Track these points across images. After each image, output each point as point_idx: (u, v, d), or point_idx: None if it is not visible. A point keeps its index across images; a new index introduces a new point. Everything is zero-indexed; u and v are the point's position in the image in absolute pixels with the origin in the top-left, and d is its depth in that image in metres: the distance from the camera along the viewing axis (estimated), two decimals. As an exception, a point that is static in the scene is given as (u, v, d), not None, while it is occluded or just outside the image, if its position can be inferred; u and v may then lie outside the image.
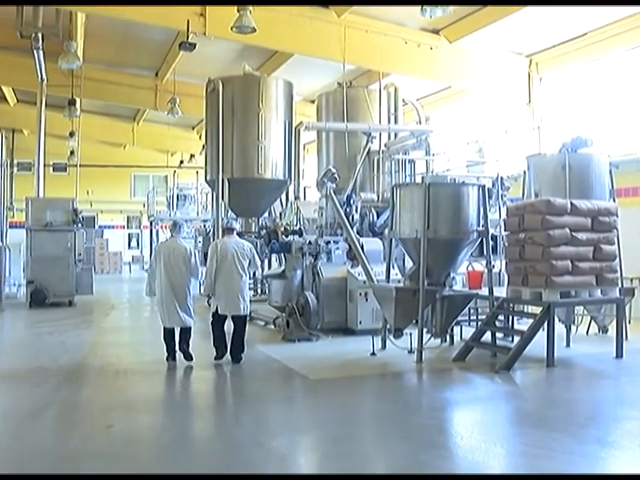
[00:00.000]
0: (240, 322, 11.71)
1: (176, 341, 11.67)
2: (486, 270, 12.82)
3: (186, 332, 11.64)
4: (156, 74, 28.27)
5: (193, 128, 38.85)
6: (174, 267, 11.50)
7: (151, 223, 38.53)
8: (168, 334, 11.64)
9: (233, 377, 11.20)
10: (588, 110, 20.20)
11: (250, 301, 12.35)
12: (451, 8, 14.90)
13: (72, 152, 36.13)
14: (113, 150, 42.59)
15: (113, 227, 47.16)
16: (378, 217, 18.14)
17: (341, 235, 15.82)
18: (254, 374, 11.26)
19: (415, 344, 11.95)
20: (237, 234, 12.33)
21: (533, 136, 21.79)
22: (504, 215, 14.47)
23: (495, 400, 9.62)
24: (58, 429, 8.12)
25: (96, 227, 44.49)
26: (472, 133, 23.63)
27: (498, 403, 9.49)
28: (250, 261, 11.79)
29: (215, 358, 11.66)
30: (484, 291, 13.05)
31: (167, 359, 11.58)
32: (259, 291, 23.19)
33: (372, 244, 15.61)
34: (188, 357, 11.55)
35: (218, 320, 11.72)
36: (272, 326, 15.51)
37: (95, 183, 42.41)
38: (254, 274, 15.61)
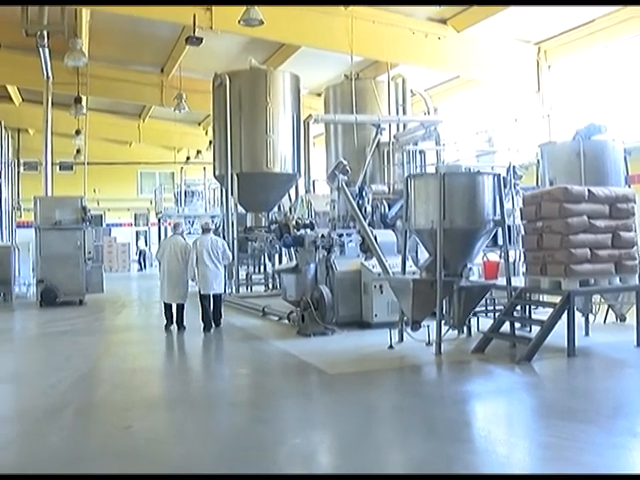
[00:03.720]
0: (217, 298, 15.29)
1: (174, 314, 15.20)
2: (503, 260, 12.66)
3: (180, 308, 15.11)
4: (162, 70, 28.21)
5: (199, 124, 38.75)
6: (173, 257, 15.15)
7: (159, 220, 38.43)
8: (167, 308, 15.30)
9: (251, 373, 11.08)
10: (598, 97, 20.05)
11: (225, 283, 16.29)
12: None
13: (78, 151, 36.09)
14: (119, 148, 42.55)
15: (121, 225, 47.09)
16: (389, 209, 18.01)
17: (354, 227, 15.70)
18: (272, 370, 11.18)
19: (433, 336, 11.81)
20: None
21: (543, 124, 21.65)
22: (518, 204, 14.42)
23: (518, 392, 9.46)
24: (75, 429, 7.98)
25: (104, 225, 44.48)
26: (481, 123, 23.49)
27: (521, 395, 9.33)
28: (222, 253, 15.11)
29: (203, 330, 14.83)
30: (500, 281, 12.89)
31: (165, 327, 15.23)
32: (270, 286, 23.07)
33: (385, 236, 15.44)
34: (181, 327, 15.04)
35: (203, 299, 15.00)
36: (286, 321, 15.37)
37: (102, 181, 42.40)
38: (227, 266, 17.08)
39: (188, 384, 10.33)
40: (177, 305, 15.16)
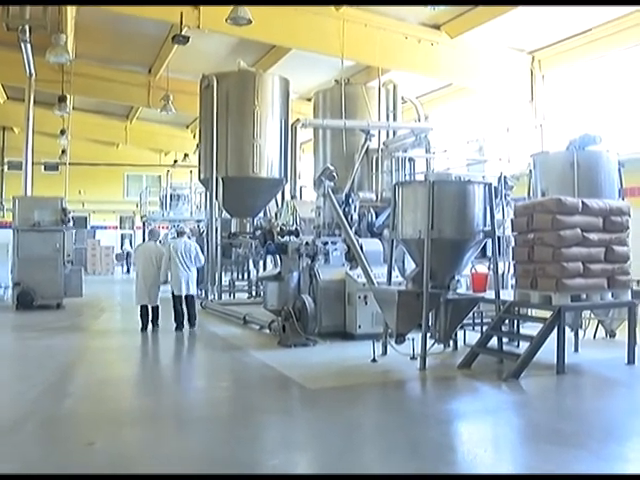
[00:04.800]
0: (190, 298, 15.70)
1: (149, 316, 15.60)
2: (492, 272, 12.25)
3: (155, 310, 15.60)
4: (149, 70, 27.83)
5: (187, 127, 38.38)
6: (148, 262, 15.58)
7: (144, 224, 37.89)
8: (142, 309, 15.63)
9: (228, 387, 10.58)
10: (592, 108, 19.69)
11: (197, 285, 16.80)
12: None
13: (64, 151, 35.60)
14: (106, 149, 42.09)
15: (105, 228, 46.56)
16: (377, 217, 17.68)
17: (339, 236, 15.33)
18: (249, 383, 10.67)
19: (417, 350, 11.38)
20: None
21: (535, 134, 21.30)
22: (509, 215, 14.04)
23: (505, 411, 9.03)
24: (31, 446, 7.42)
25: (88, 227, 44.02)
26: (473, 131, 23.14)
27: (509, 415, 8.90)
28: (195, 257, 15.68)
29: (175, 329, 15.38)
30: (489, 294, 12.49)
31: (141, 329, 15.48)
32: (254, 293, 22.64)
33: (371, 245, 15.04)
34: (156, 326, 15.55)
35: (176, 300, 15.53)
36: (267, 330, 14.93)
37: (87, 183, 42.04)
38: (200, 269, 17.40)
39: (161, 397, 9.79)
40: (152, 307, 15.61)
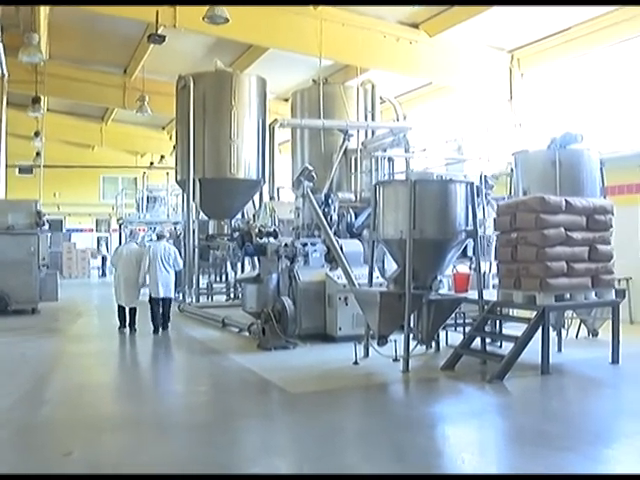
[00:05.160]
0: (167, 302, 15.86)
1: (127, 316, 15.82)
2: (474, 272, 12.10)
3: (132, 311, 15.70)
4: (124, 71, 27.47)
5: (163, 128, 38.03)
6: (129, 263, 15.76)
7: (120, 226, 37.46)
8: (121, 310, 15.87)
9: (207, 391, 10.34)
10: (572, 107, 19.59)
11: (176, 289, 17.33)
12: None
13: (38, 153, 35.03)
14: (81, 151, 41.64)
15: (81, 230, 46.07)
16: (356, 218, 17.51)
17: (319, 237, 15.12)
18: (229, 387, 10.46)
19: (400, 351, 11.20)
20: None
21: (515, 133, 21.18)
22: (490, 214, 13.94)
23: (491, 414, 8.88)
24: (6, 456, 7.20)
25: (64, 230, 43.55)
26: (452, 131, 22.99)
27: (495, 418, 8.75)
28: (173, 261, 15.85)
29: (153, 332, 15.46)
30: (471, 294, 12.34)
31: (119, 329, 15.79)
32: (232, 296, 22.39)
33: (351, 246, 14.85)
34: (133, 330, 15.64)
35: (153, 302, 15.62)
36: (247, 333, 14.69)
37: (63, 185, 41.59)
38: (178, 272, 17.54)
39: (139, 403, 9.53)
40: (130, 309, 15.77)
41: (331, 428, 8.03)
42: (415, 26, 19.82)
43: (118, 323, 15.85)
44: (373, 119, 21.52)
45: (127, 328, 15.75)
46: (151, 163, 40.70)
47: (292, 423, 8.43)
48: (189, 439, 7.67)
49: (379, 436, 7.69)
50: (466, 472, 6.56)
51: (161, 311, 15.74)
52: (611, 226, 11.44)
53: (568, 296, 11.17)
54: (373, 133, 20.96)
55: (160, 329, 15.61)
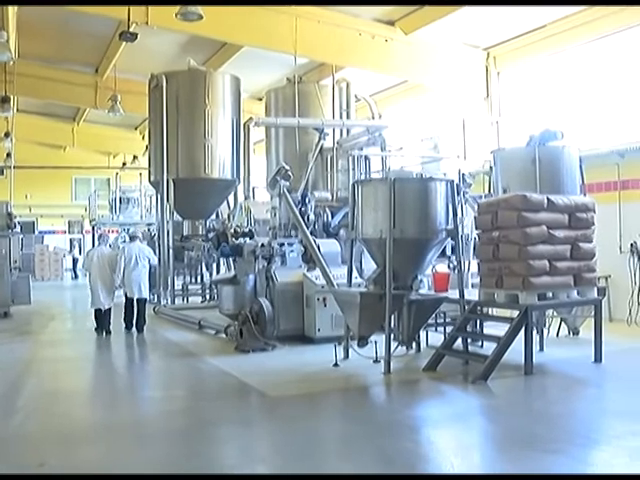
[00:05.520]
0: (142, 302, 16.08)
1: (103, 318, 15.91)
2: (456, 271, 11.93)
3: (107, 312, 15.87)
4: (96, 70, 27.00)
5: (136, 128, 37.56)
6: (102, 266, 15.91)
7: (93, 228, 37.00)
8: (97, 313, 15.96)
9: (184, 397, 10.03)
10: (549, 104, 19.51)
11: (149, 289, 17.29)
12: None
13: (9, 154, 34.48)
14: (52, 152, 41.10)
15: (54, 232, 45.48)
16: (333, 217, 17.32)
17: (296, 237, 14.92)
18: (208, 392, 10.19)
19: (380, 353, 10.99)
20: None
21: (491, 131, 21.07)
22: (468, 213, 13.81)
23: (477, 416, 8.71)
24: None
25: (36, 232, 42.98)
26: (428, 129, 22.84)
27: (481, 420, 8.57)
28: (148, 260, 16.28)
29: (125, 328, 16.04)
30: (451, 294, 12.18)
31: (96, 330, 15.90)
32: (207, 297, 22.12)
33: (329, 245, 14.68)
34: (108, 331, 15.75)
35: (128, 302, 16.09)
36: (223, 335, 14.44)
37: (34, 187, 41.08)
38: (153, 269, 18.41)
39: (114, 410, 9.20)
40: (105, 310, 15.91)
41: (313, 434, 7.82)
42: (391, 24, 19.61)
43: (94, 324, 15.94)
44: (348, 118, 21.32)
45: (102, 330, 15.79)
46: (124, 164, 40.28)
47: (272, 429, 8.17)
48: (165, 448, 7.41)
49: (363, 442, 7.45)
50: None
51: (137, 312, 15.98)
52: (593, 224, 11.31)
53: (550, 295, 11.05)
54: (348, 132, 20.76)
55: (132, 327, 15.99)
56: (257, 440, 7.78)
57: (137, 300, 15.99)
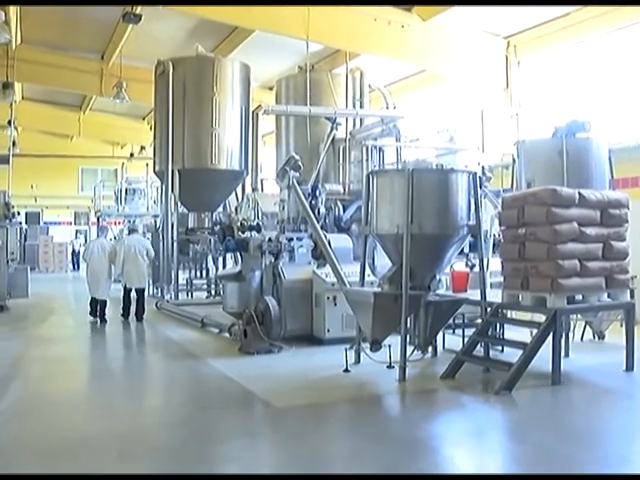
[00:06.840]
0: (141, 292, 16.87)
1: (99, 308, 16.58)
2: (477, 271, 11.10)
3: (103, 303, 16.51)
4: (102, 57, 26.39)
5: (143, 118, 36.99)
6: (101, 258, 16.59)
7: (98, 219, 36.34)
8: (93, 301, 16.69)
9: (181, 406, 9.18)
10: (571, 96, 18.69)
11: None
12: None
13: (14, 143, 33.86)
14: (58, 141, 40.65)
15: (59, 223, 44.94)
16: (344, 211, 16.66)
17: (305, 231, 14.25)
18: (207, 401, 9.32)
19: (394, 357, 10.20)
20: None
21: (511, 123, 20.25)
22: (486, 208, 13.07)
23: (501, 433, 7.90)
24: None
25: (41, 223, 42.47)
26: (444, 121, 22.04)
27: (505, 438, 7.75)
28: (147, 251, 16.88)
29: (121, 315, 16.83)
30: (470, 294, 11.37)
31: (90, 313, 16.72)
32: (213, 292, 21.40)
33: (340, 241, 13.96)
34: (103, 320, 16.33)
35: (126, 292, 16.87)
36: (227, 334, 13.67)
37: (40, 177, 40.64)
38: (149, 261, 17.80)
39: (103, 420, 8.36)
40: (101, 301, 16.54)
41: (320, 453, 7.00)
42: (408, 9, 18.83)
43: (90, 317, 16.70)
44: (362, 108, 20.52)
45: (97, 319, 16.48)
46: (131, 154, 39.71)
47: (276, 447, 7.39)
48: (157, 466, 6.61)
49: (377, 462, 6.64)
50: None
51: (136, 301, 16.71)
52: (626, 221, 10.48)
53: (580, 297, 10.24)
54: (361, 123, 19.96)
55: (129, 316, 16.71)
56: (259, 458, 7.01)
57: (136, 290, 16.80)
